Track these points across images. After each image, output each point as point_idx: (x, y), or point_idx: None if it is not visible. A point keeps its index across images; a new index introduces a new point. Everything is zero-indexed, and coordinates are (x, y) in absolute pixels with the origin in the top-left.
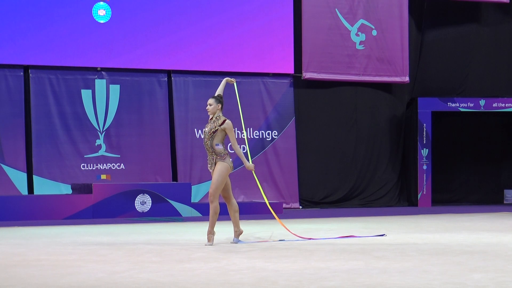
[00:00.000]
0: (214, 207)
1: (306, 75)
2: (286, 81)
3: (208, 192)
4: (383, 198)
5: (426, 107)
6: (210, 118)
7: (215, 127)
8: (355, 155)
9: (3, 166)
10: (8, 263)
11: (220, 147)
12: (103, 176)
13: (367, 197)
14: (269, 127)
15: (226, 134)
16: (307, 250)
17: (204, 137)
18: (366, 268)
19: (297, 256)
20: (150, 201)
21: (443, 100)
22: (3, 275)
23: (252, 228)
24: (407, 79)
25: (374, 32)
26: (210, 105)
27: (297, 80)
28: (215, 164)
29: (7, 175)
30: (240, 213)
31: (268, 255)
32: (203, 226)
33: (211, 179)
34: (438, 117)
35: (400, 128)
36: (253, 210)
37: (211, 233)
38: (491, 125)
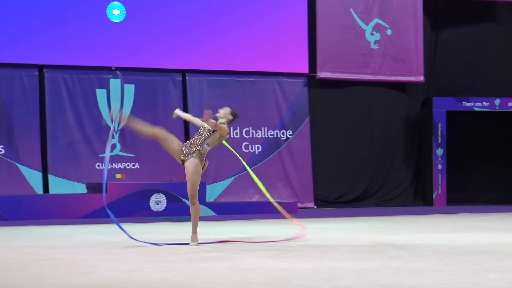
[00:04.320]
0: (197, 207)
1: (321, 74)
2: (301, 80)
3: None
4: (398, 198)
5: (441, 106)
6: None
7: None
8: (370, 154)
9: (18, 165)
10: (24, 262)
11: (206, 148)
12: (118, 176)
13: (382, 196)
14: (283, 127)
15: (218, 139)
16: (321, 249)
17: (202, 130)
18: (380, 268)
19: (311, 255)
20: (165, 201)
21: (458, 99)
22: (18, 274)
23: (266, 228)
24: (422, 78)
25: (389, 32)
26: (224, 110)
27: (311, 80)
28: (189, 156)
29: (22, 174)
30: (254, 213)
31: (282, 255)
32: (218, 226)
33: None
34: (453, 117)
35: (414, 128)
36: (267, 210)
37: (196, 233)
38: (506, 125)
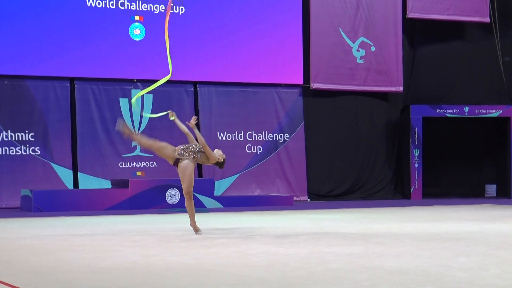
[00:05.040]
0: (192, 203)
1: (314, 85)
2: (296, 90)
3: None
4: (380, 192)
5: (418, 113)
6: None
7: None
8: (356, 154)
9: (52, 164)
10: (57, 248)
11: (198, 158)
12: (138, 173)
13: (367, 190)
14: (281, 131)
15: (206, 160)
16: (314, 237)
17: (197, 147)
18: (366, 252)
19: (306, 242)
20: (179, 195)
21: (432, 107)
22: (52, 258)
23: (266, 218)
24: (401, 89)
25: (373, 48)
26: (220, 151)
27: (305, 90)
28: (184, 157)
29: (55, 172)
30: (256, 205)
31: (280, 241)
32: (225, 216)
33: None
34: (428, 122)
35: (395, 131)
36: (267, 203)
37: (196, 223)
38: (474, 129)
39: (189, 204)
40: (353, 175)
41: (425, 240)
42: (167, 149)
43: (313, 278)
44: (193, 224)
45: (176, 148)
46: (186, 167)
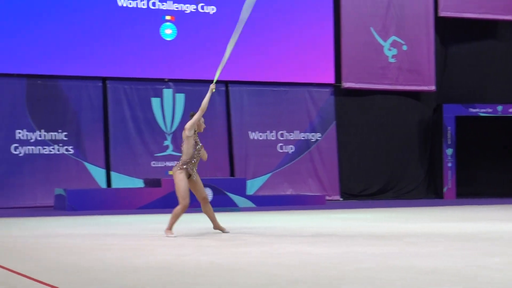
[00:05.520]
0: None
1: (345, 84)
2: (328, 90)
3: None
4: (413, 191)
5: (450, 112)
6: (195, 132)
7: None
8: (389, 154)
9: (85, 163)
10: (91, 247)
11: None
12: (170, 172)
13: (399, 190)
14: (313, 130)
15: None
16: (347, 236)
17: (199, 149)
18: (398, 252)
19: (338, 241)
20: (211, 194)
21: (465, 106)
22: (86, 257)
23: (298, 218)
24: (433, 88)
25: (405, 47)
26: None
27: (337, 89)
28: (194, 172)
29: (88, 171)
30: (288, 205)
31: (312, 241)
32: (257, 216)
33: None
34: (461, 121)
35: (427, 131)
36: (299, 202)
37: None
38: (507, 128)
39: (209, 206)
40: (385, 174)
41: (458, 240)
42: (188, 190)
43: (345, 278)
44: (218, 222)
45: (186, 168)
46: (199, 179)
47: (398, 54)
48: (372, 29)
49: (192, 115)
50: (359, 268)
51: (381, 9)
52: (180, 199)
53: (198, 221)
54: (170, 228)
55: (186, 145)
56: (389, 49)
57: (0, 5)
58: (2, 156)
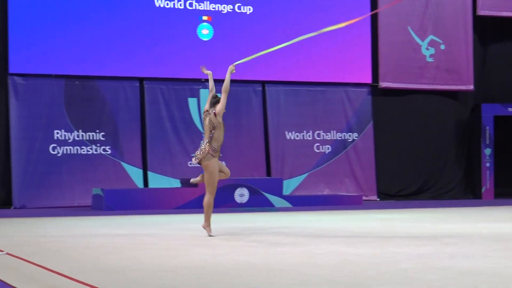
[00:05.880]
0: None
1: (383, 84)
2: (365, 89)
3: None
4: (450, 192)
5: (489, 112)
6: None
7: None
8: (426, 154)
9: (122, 163)
10: (128, 246)
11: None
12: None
13: (437, 190)
14: (350, 130)
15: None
16: (384, 236)
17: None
18: (436, 253)
19: (376, 242)
20: (248, 194)
21: (504, 105)
22: (123, 256)
23: (335, 218)
24: (471, 87)
25: (442, 46)
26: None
27: (374, 89)
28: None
29: (126, 171)
30: (324, 205)
31: (349, 241)
32: (294, 216)
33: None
34: (499, 121)
35: (465, 131)
36: (336, 202)
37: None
38: None
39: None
40: (423, 174)
41: (497, 241)
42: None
43: (382, 278)
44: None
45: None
46: (207, 165)
47: (436, 54)
48: (409, 28)
49: (215, 97)
50: (397, 268)
51: (419, 8)
52: (212, 188)
53: (233, 221)
54: (209, 223)
55: (218, 131)
56: (427, 49)
57: (39, 7)
58: (41, 156)
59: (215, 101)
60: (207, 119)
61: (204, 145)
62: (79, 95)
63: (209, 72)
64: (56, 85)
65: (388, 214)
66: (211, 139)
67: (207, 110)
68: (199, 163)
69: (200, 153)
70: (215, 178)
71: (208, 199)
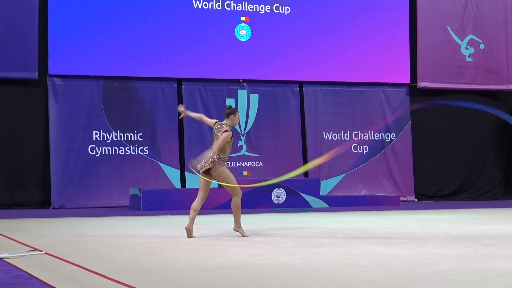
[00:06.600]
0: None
1: (421, 84)
2: (403, 89)
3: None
4: (489, 192)
5: None
6: (222, 124)
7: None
8: (465, 154)
9: (160, 164)
10: (165, 246)
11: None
12: (245, 173)
13: (476, 191)
14: (388, 130)
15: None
16: (421, 237)
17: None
18: (475, 254)
19: (413, 242)
20: (285, 194)
21: None
22: (160, 256)
23: (372, 218)
24: (511, 87)
25: (482, 46)
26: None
27: (412, 89)
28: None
29: (163, 171)
30: (362, 205)
31: (387, 242)
32: (331, 216)
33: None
34: None
35: (505, 131)
36: (373, 203)
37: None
38: None
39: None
40: (461, 175)
41: None
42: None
43: (420, 279)
44: (191, 226)
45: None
46: (220, 173)
47: (475, 53)
48: (448, 27)
49: (230, 108)
50: (435, 270)
51: (458, 8)
52: (234, 190)
53: (270, 221)
54: (240, 224)
55: (226, 145)
56: (466, 48)
57: (79, 8)
58: (80, 157)
59: (229, 112)
60: (220, 130)
61: (212, 154)
62: (118, 96)
63: (187, 113)
64: (94, 86)
65: (426, 215)
66: (218, 150)
67: (218, 121)
68: (206, 171)
69: (208, 162)
70: (232, 180)
71: (235, 201)
